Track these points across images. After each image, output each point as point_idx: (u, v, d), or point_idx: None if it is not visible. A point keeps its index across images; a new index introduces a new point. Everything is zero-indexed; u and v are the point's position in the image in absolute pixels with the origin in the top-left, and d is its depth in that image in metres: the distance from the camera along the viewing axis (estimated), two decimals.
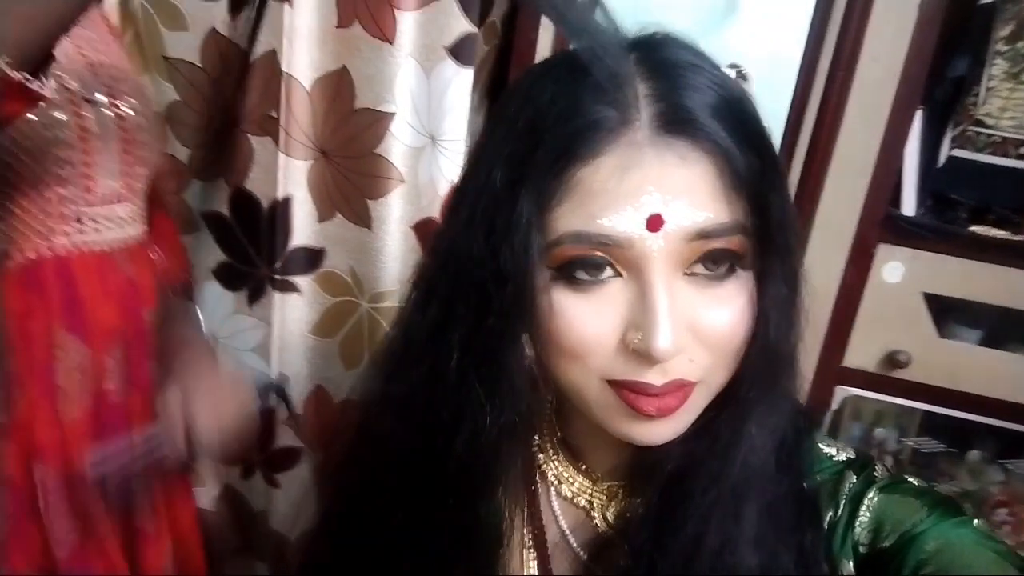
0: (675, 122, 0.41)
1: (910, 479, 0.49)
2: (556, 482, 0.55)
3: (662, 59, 0.44)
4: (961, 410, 1.11)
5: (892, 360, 1.11)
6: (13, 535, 0.61)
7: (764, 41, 1.12)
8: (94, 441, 0.65)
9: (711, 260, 0.42)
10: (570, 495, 0.54)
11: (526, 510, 0.55)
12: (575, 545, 0.54)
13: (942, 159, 1.13)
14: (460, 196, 0.48)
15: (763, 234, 0.43)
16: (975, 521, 0.45)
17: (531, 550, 0.55)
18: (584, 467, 0.54)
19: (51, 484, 0.61)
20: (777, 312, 0.44)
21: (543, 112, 0.42)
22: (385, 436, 0.52)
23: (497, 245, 0.43)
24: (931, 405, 1.12)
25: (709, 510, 0.45)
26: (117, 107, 0.67)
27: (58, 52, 0.47)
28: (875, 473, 0.49)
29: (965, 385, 1.10)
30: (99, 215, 0.65)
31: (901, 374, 1.12)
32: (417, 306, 0.50)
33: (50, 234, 0.62)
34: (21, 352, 0.60)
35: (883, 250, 1.10)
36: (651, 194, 0.40)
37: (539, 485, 0.56)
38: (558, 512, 0.55)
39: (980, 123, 1.10)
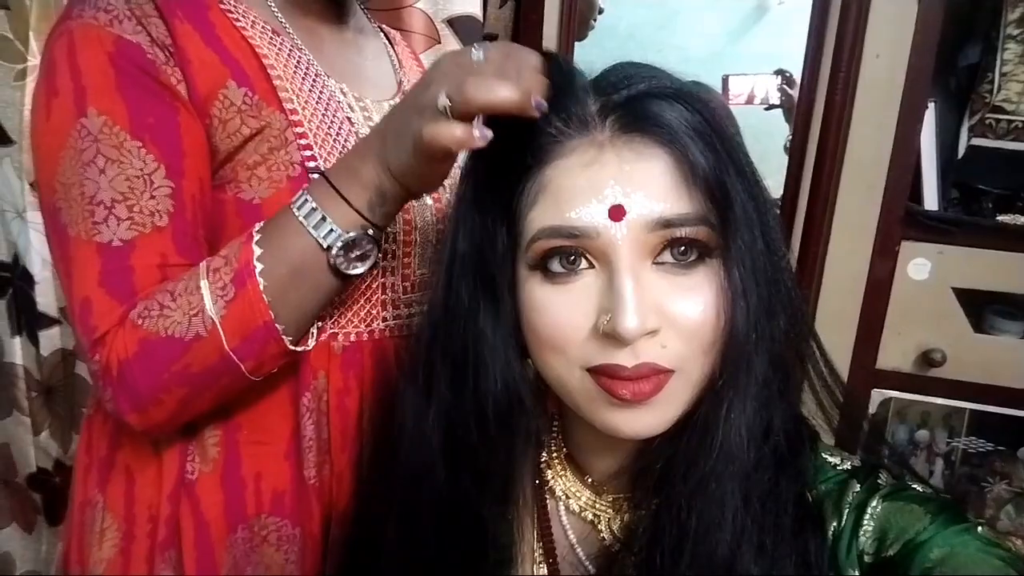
0: (630, 122, 0.45)
1: (914, 485, 0.48)
2: (564, 497, 0.56)
3: (616, 77, 0.48)
4: (1005, 406, 1.07)
5: (927, 359, 1.08)
6: None
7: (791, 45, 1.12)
8: None
9: (678, 250, 0.45)
10: (578, 509, 0.56)
11: (537, 525, 0.57)
12: (583, 558, 0.55)
13: (962, 150, 1.11)
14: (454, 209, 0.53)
15: (727, 226, 0.45)
16: (979, 527, 0.44)
17: (541, 564, 0.56)
18: (590, 480, 0.56)
19: (338, 548, 0.65)
20: (745, 301, 0.45)
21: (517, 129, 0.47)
22: (398, 435, 0.55)
23: (479, 246, 0.48)
24: (971, 403, 1.08)
25: (691, 496, 0.46)
26: (439, 200, 0.72)
27: None
28: (879, 481, 0.49)
29: (1007, 380, 1.06)
30: (413, 300, 0.69)
31: (938, 373, 1.09)
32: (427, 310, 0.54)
33: (370, 319, 0.66)
34: (335, 425, 0.64)
35: (907, 247, 1.07)
36: (612, 187, 0.44)
37: (549, 501, 0.57)
38: (567, 526, 0.56)
39: (999, 110, 1.08)
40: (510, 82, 0.45)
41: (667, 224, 0.44)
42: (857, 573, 0.46)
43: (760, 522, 0.46)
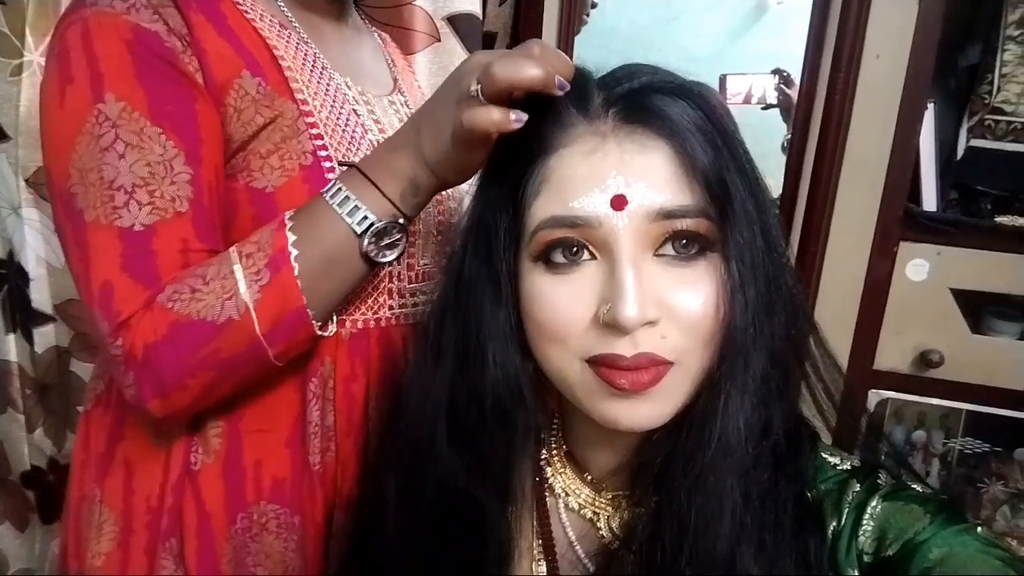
0: (633, 113, 0.46)
1: (914, 485, 0.48)
2: (564, 494, 0.56)
3: (620, 73, 0.49)
4: (1002, 407, 1.07)
5: (925, 360, 1.08)
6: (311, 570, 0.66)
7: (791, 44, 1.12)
8: None
9: (680, 243, 0.45)
10: (577, 507, 0.56)
11: (536, 522, 0.57)
12: (582, 556, 0.55)
13: (961, 151, 1.11)
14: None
15: (726, 221, 0.45)
16: (978, 528, 0.44)
17: (541, 562, 0.56)
18: (589, 478, 0.56)
19: (341, 534, 0.65)
20: (744, 296, 0.45)
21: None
22: (404, 401, 0.55)
23: (487, 233, 0.49)
24: (968, 404, 1.08)
25: (689, 490, 0.46)
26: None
27: None
28: (879, 481, 0.49)
29: (1004, 381, 1.06)
30: (417, 290, 0.71)
31: (935, 374, 1.09)
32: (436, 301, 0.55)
33: (377, 306, 0.68)
34: (341, 411, 0.65)
35: (905, 248, 1.07)
36: (615, 177, 0.45)
37: (548, 498, 0.57)
38: (566, 524, 0.56)
39: (998, 111, 1.08)
40: (534, 60, 0.46)
41: (668, 215, 0.44)
42: (856, 573, 0.46)
43: (760, 521, 0.46)
